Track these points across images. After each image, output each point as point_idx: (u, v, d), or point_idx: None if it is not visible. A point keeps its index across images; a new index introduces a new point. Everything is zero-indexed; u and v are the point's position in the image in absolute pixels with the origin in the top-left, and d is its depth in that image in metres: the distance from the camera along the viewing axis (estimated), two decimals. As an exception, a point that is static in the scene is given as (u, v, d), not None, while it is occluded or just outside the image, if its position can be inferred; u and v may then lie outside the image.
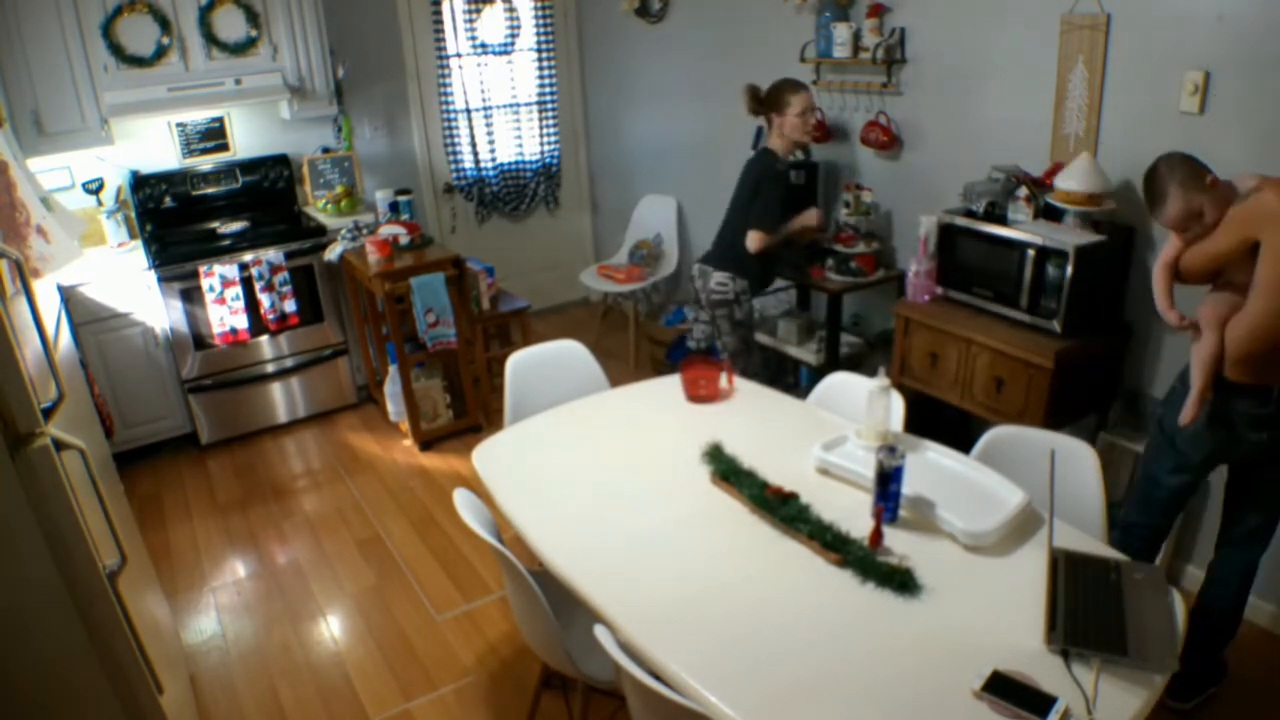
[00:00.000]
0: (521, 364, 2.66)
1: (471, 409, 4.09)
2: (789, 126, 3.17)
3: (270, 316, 3.92)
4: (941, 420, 3.13)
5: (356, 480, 3.78)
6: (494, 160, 5.09)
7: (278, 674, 2.69)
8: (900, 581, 1.69)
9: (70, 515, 1.53)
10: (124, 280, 3.68)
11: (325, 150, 4.46)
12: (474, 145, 4.97)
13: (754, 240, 3.21)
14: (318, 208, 4.37)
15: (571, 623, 2.05)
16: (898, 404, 2.30)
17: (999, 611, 1.63)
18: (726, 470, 2.09)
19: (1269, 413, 2.05)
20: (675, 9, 4.45)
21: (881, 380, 2.10)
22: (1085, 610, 1.57)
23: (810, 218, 3.33)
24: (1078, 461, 2.02)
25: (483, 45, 4.83)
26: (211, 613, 2.99)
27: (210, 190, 4.19)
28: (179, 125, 4.10)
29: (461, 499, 2.05)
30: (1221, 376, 2.07)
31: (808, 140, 3.40)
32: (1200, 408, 2.12)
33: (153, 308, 3.76)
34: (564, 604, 1.95)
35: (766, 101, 3.20)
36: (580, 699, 2.09)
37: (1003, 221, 2.81)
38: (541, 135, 5.21)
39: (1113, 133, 2.72)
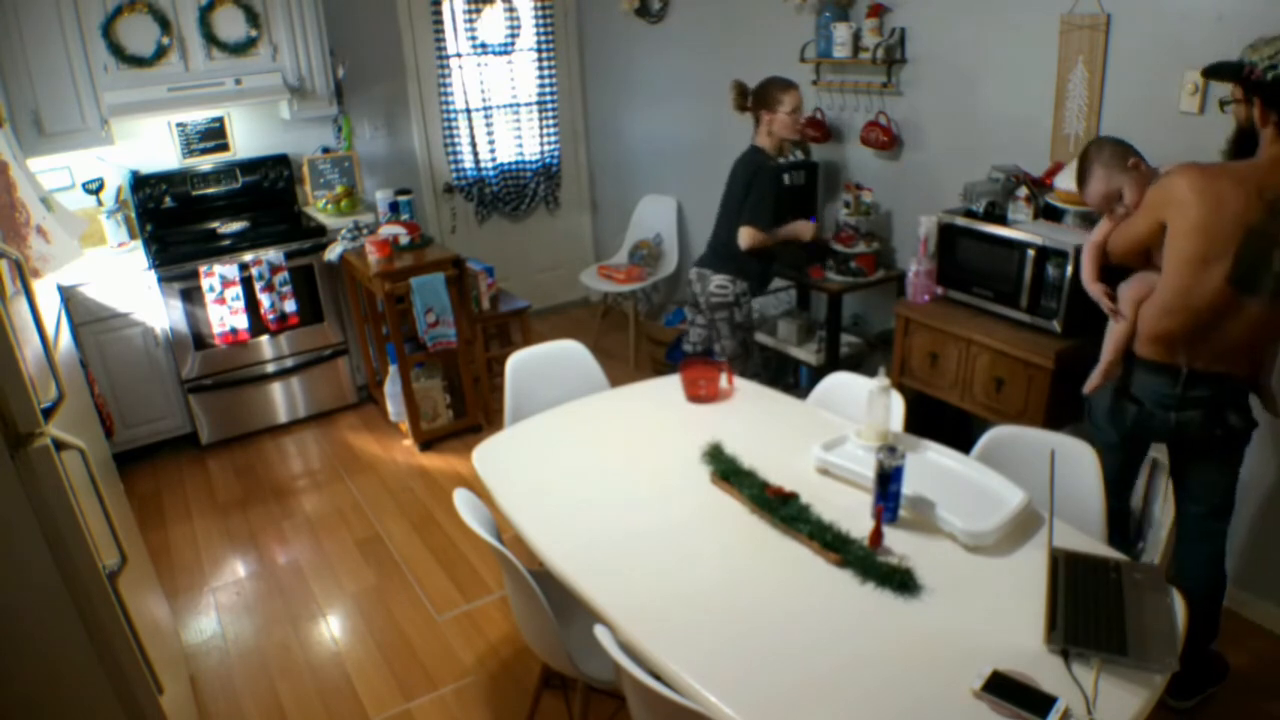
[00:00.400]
0: (521, 364, 2.66)
1: (471, 409, 4.09)
2: (779, 124, 3.16)
3: (270, 316, 3.92)
4: (941, 420, 3.13)
5: (356, 480, 3.78)
6: (494, 160, 5.09)
7: (278, 674, 2.69)
8: (900, 581, 1.69)
9: (70, 515, 1.53)
10: (124, 280, 3.68)
11: (325, 150, 4.46)
12: (474, 145, 4.97)
13: (745, 237, 3.19)
14: (318, 208, 4.37)
15: (571, 623, 2.05)
16: (898, 404, 2.30)
17: (999, 611, 1.64)
18: (726, 470, 2.09)
19: (1178, 394, 2.11)
20: (675, 9, 4.45)
21: (881, 380, 2.10)
22: (1085, 610, 1.57)
23: (804, 231, 3.32)
24: (1078, 461, 2.02)
25: (483, 45, 4.83)
26: (211, 613, 2.99)
27: (210, 190, 4.19)
28: (179, 125, 4.10)
29: (461, 499, 2.05)
30: (1132, 353, 2.18)
31: (796, 138, 3.38)
32: (1104, 379, 2.24)
33: (153, 308, 3.76)
34: (564, 604, 1.95)
35: (757, 99, 3.20)
36: (580, 699, 2.09)
37: (1003, 221, 2.81)
38: (541, 135, 5.21)
39: (1113, 133, 2.69)
